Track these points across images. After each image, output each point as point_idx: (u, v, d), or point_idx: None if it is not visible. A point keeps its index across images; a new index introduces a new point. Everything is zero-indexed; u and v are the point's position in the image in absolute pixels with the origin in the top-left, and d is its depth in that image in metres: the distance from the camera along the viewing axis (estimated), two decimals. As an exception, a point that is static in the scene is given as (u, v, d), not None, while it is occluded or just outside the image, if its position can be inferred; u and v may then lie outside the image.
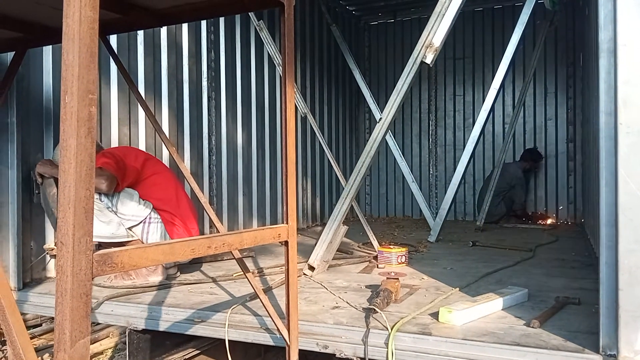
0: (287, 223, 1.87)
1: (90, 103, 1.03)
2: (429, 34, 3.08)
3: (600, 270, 1.69)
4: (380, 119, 3.26)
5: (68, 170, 1.01)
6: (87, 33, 1.03)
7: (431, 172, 7.38)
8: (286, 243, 1.86)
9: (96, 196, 2.75)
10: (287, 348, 1.91)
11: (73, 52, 1.02)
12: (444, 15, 3.06)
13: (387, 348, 1.93)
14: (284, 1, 1.81)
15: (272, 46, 4.90)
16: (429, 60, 3.03)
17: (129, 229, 2.90)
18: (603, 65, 1.70)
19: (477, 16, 7.08)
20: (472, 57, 7.14)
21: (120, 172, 2.80)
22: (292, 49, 1.86)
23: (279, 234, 1.81)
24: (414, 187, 6.49)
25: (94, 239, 2.69)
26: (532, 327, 1.99)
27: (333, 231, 3.20)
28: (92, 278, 1.06)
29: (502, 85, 5.27)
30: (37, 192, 2.92)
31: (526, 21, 4.98)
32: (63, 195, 1.01)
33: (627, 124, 1.62)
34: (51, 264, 3.04)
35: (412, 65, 3.11)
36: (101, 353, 3.60)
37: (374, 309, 2.17)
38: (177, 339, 2.52)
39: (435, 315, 2.15)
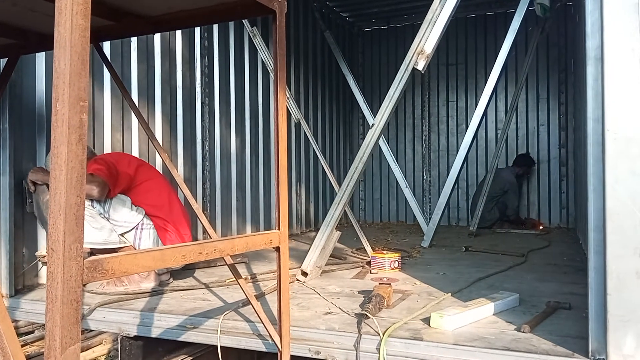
0: (279, 229, 1.88)
1: (82, 110, 1.04)
2: (420, 41, 3.10)
3: (589, 276, 1.71)
4: (373, 124, 3.28)
5: (59, 177, 1.01)
6: (78, 41, 1.04)
7: (424, 178, 7.41)
8: (278, 249, 1.87)
9: (88, 203, 2.75)
10: (279, 354, 1.92)
11: (64, 59, 1.02)
12: (435, 22, 3.08)
13: (379, 353, 1.94)
14: (276, 9, 1.82)
15: (266, 52, 4.91)
16: (420, 67, 3.06)
17: (122, 235, 2.90)
18: (591, 72, 1.72)
19: (470, 23, 7.14)
20: (465, 63, 7.19)
21: (112, 179, 2.81)
22: (283, 56, 1.88)
23: (271, 240, 1.82)
24: (408, 193, 6.51)
25: (86, 246, 2.69)
26: (523, 332, 2.00)
27: (326, 237, 3.21)
28: (83, 285, 1.06)
29: (495, 91, 5.32)
30: (29, 200, 2.91)
31: (518, 28, 5.03)
32: (54, 202, 1.02)
33: (614, 131, 1.65)
34: (43, 271, 3.04)
35: (404, 72, 3.13)
36: (94, 360, 3.59)
37: (366, 315, 2.17)
38: (169, 346, 2.52)
39: (427, 320, 2.16)
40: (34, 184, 2.82)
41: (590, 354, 1.71)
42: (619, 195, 1.62)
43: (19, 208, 2.89)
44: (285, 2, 1.87)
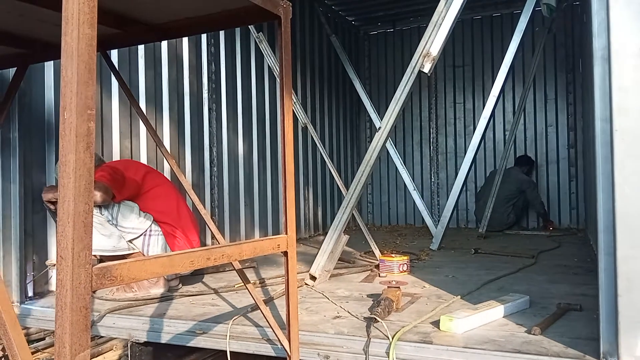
0: (286, 233, 1.88)
1: (89, 118, 1.05)
2: (426, 43, 3.10)
3: (599, 277, 1.70)
4: (380, 127, 3.28)
5: (67, 185, 1.02)
6: (85, 50, 1.05)
7: (432, 180, 7.39)
8: (286, 253, 1.87)
9: (97, 210, 2.76)
10: (288, 358, 1.91)
11: (71, 68, 1.03)
12: (440, 24, 3.08)
13: (389, 357, 1.93)
14: (281, 14, 1.83)
15: (272, 58, 4.93)
16: (426, 69, 3.05)
17: (130, 241, 2.91)
18: (598, 72, 1.71)
19: (476, 24, 7.12)
20: (472, 64, 7.17)
21: (116, 183, 2.80)
22: (289, 61, 1.88)
23: (279, 245, 1.82)
24: (416, 195, 6.49)
25: (96, 253, 2.71)
26: (533, 334, 1.99)
27: (334, 241, 3.21)
28: (93, 291, 1.07)
29: (502, 92, 5.29)
30: (56, 220, 2.92)
31: (524, 29, 5.02)
32: (62, 210, 1.02)
33: (622, 130, 1.64)
34: (54, 278, 3.05)
35: (410, 75, 3.13)
36: (104, 366, 3.60)
37: (375, 318, 2.17)
38: (179, 351, 2.53)
39: (436, 323, 2.15)
40: (51, 202, 2.84)
41: (601, 355, 1.69)
42: (628, 196, 1.61)
43: (29, 216, 2.91)
44: (291, 8, 1.88)
